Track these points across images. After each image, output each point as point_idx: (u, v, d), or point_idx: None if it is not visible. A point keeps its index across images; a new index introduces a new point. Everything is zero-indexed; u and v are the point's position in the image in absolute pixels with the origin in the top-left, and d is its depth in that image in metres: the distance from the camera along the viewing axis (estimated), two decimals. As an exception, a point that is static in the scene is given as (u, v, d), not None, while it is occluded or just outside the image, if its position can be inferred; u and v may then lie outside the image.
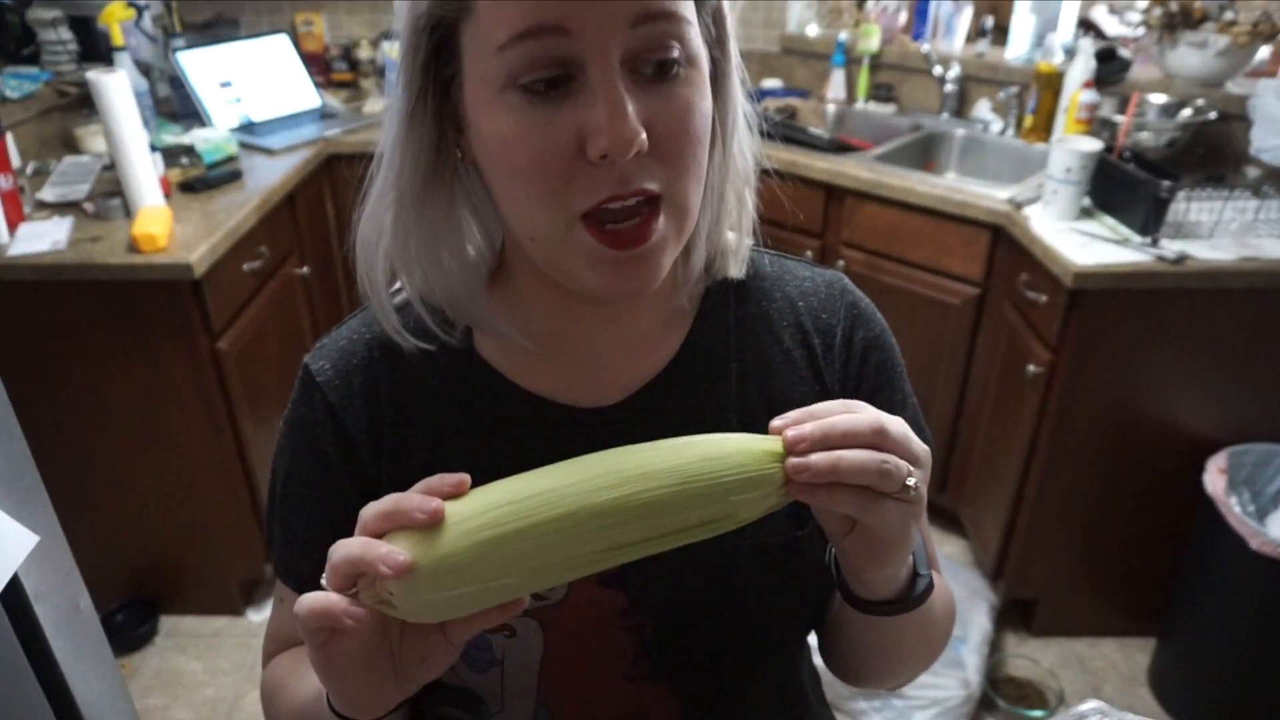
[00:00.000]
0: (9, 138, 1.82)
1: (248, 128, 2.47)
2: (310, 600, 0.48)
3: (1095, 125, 2.09)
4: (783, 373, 0.67)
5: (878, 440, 0.49)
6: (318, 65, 2.86)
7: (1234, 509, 1.67)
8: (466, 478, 0.48)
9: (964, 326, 2.12)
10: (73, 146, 2.30)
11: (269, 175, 2.17)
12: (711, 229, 0.65)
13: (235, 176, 2.12)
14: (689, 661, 0.66)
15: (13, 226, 1.78)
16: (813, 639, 0.77)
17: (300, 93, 2.67)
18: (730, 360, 0.67)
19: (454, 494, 0.48)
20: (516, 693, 0.67)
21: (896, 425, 0.50)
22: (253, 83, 2.57)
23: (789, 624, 0.69)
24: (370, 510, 0.48)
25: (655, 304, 0.66)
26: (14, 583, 0.70)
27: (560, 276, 0.57)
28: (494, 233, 0.65)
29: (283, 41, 2.69)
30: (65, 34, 2.47)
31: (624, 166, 0.51)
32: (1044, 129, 2.30)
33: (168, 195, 1.95)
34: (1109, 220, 1.84)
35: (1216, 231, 1.76)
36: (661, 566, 0.64)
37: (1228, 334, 1.75)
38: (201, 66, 2.47)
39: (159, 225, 1.73)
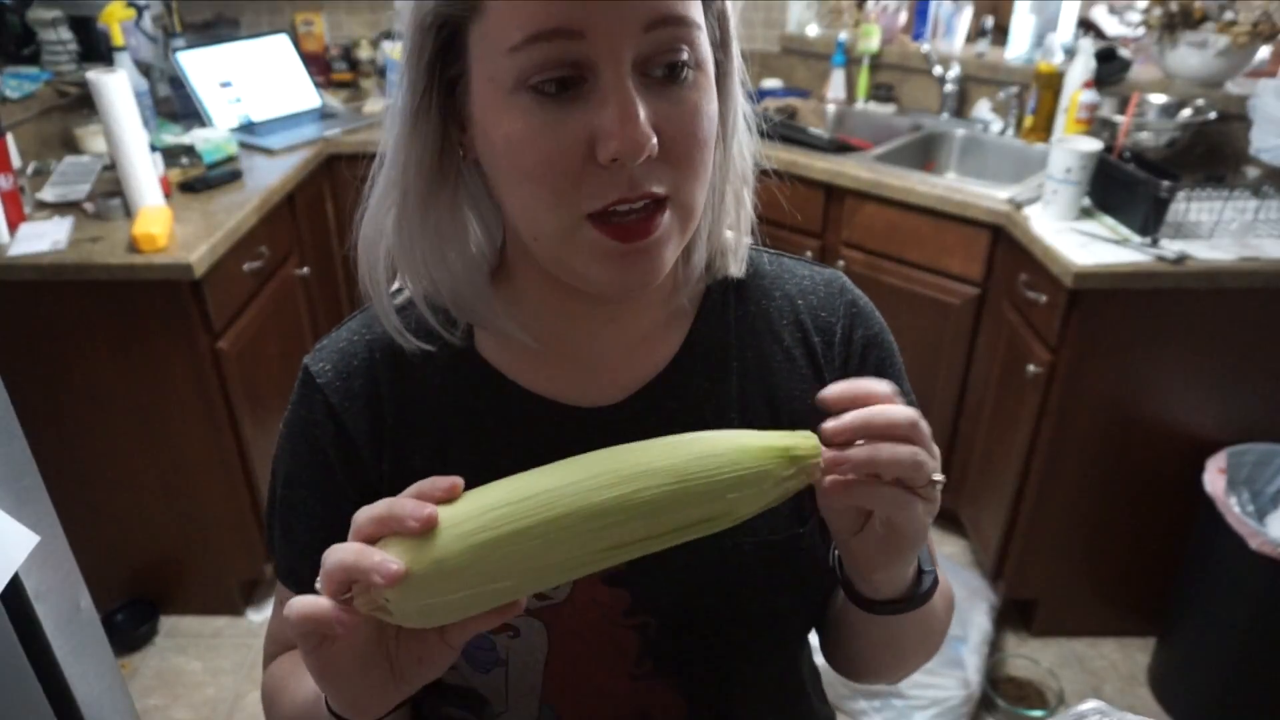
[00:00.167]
0: (9, 138, 1.82)
1: (248, 128, 2.47)
2: (300, 606, 0.47)
3: (1095, 125, 2.09)
4: (783, 371, 0.68)
5: (912, 434, 0.50)
6: (318, 65, 2.86)
7: (1234, 509, 1.67)
8: (459, 481, 0.48)
9: (964, 326, 2.12)
10: (73, 146, 2.30)
11: (269, 175, 2.17)
12: (712, 229, 0.65)
13: (235, 176, 2.12)
14: (692, 660, 0.67)
15: (13, 226, 1.78)
16: (813, 636, 0.77)
17: (300, 93, 2.67)
18: (731, 359, 0.67)
19: (447, 498, 0.48)
20: (520, 692, 0.67)
21: (924, 420, 0.51)
22: (253, 83, 2.57)
23: (791, 621, 0.70)
24: (363, 515, 0.48)
25: (656, 303, 0.66)
26: (14, 583, 0.70)
27: (565, 274, 0.57)
28: (494, 231, 0.65)
29: (283, 41, 2.69)
30: (65, 34, 2.47)
31: (633, 169, 0.51)
32: (1044, 129, 2.30)
33: (168, 195, 1.95)
34: (1109, 220, 1.84)
35: (1216, 231, 1.76)
36: (665, 565, 0.64)
37: (1228, 334, 1.75)
38: (201, 66, 2.47)
39: (159, 225, 1.73)
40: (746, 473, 0.48)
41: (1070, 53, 2.28)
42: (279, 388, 2.10)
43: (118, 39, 2.23)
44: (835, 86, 2.71)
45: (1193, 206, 1.79)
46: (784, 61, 2.91)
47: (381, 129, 0.59)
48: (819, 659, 0.81)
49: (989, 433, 2.10)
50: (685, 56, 0.52)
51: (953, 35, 2.63)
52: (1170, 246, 1.70)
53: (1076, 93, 2.09)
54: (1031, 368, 1.83)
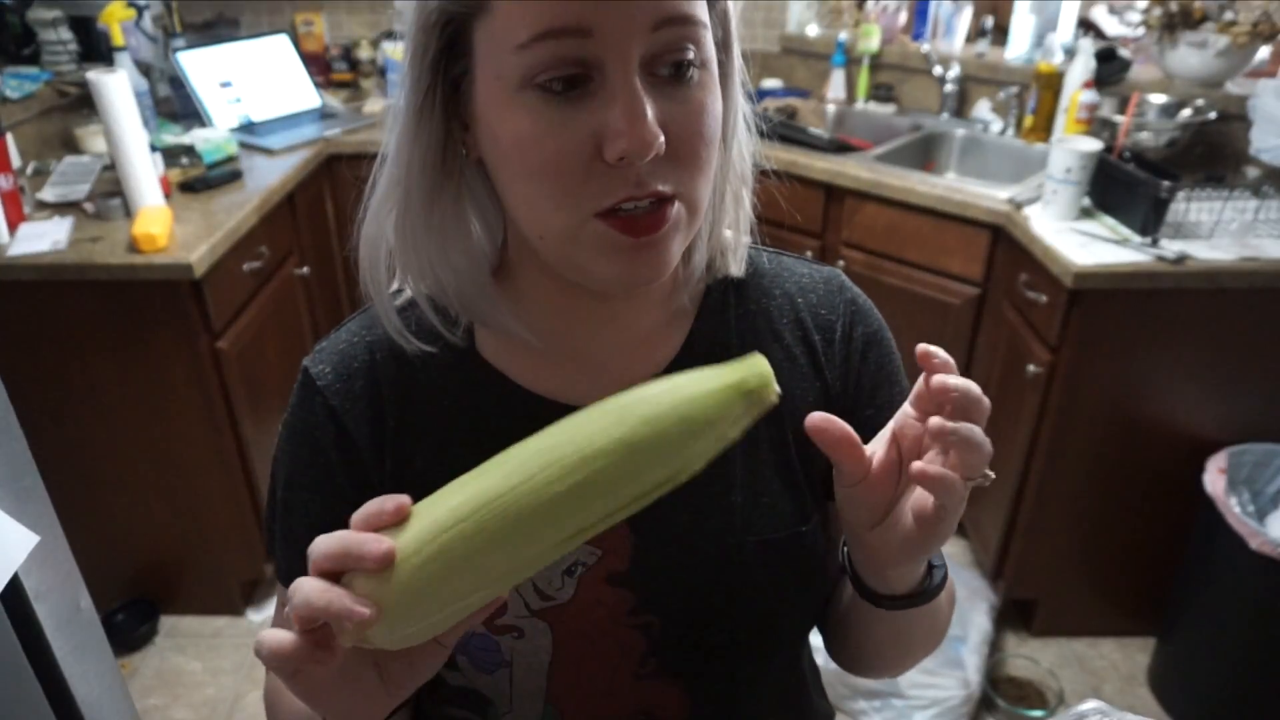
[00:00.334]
0: (9, 138, 1.82)
1: (248, 128, 2.47)
2: (271, 646, 0.46)
3: (1095, 125, 2.09)
4: (784, 370, 0.68)
5: (982, 419, 0.50)
6: (318, 65, 2.86)
7: (1234, 509, 1.67)
8: (406, 500, 0.46)
9: (964, 326, 2.12)
10: (73, 146, 2.30)
11: (269, 175, 2.17)
12: (713, 228, 0.65)
13: (235, 176, 2.12)
14: (697, 658, 0.67)
15: (13, 226, 1.78)
16: (813, 634, 0.77)
17: (300, 93, 2.67)
18: (732, 358, 0.67)
19: (396, 521, 0.46)
20: (525, 693, 0.67)
21: None
22: (253, 83, 2.57)
23: (795, 619, 0.70)
24: (320, 550, 0.45)
25: (657, 303, 0.66)
26: (14, 583, 0.70)
27: (570, 271, 0.57)
28: (495, 230, 0.65)
29: (283, 41, 2.69)
30: (65, 34, 2.47)
31: (640, 168, 0.51)
32: (1044, 129, 2.30)
33: (168, 195, 1.95)
34: (1109, 220, 1.84)
35: (1216, 231, 1.76)
36: (668, 565, 0.64)
37: (1228, 334, 1.75)
38: (201, 66, 2.47)
39: (159, 225, 1.73)
40: (699, 424, 0.45)
41: (1070, 53, 2.28)
42: (279, 388, 2.10)
43: (118, 39, 2.23)
44: (835, 86, 2.71)
45: (1193, 206, 1.79)
46: (784, 61, 2.91)
47: (382, 129, 0.59)
48: (818, 656, 0.81)
49: (989, 432, 2.08)
50: (691, 56, 0.52)
51: (953, 35, 2.63)
52: (1170, 246, 1.70)
53: (1076, 93, 2.09)
54: (1031, 368, 1.83)
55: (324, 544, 0.45)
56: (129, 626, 2.07)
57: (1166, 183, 1.70)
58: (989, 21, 2.63)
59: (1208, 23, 2.05)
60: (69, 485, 1.86)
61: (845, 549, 0.63)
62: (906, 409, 0.54)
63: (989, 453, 0.50)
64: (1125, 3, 2.48)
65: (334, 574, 0.45)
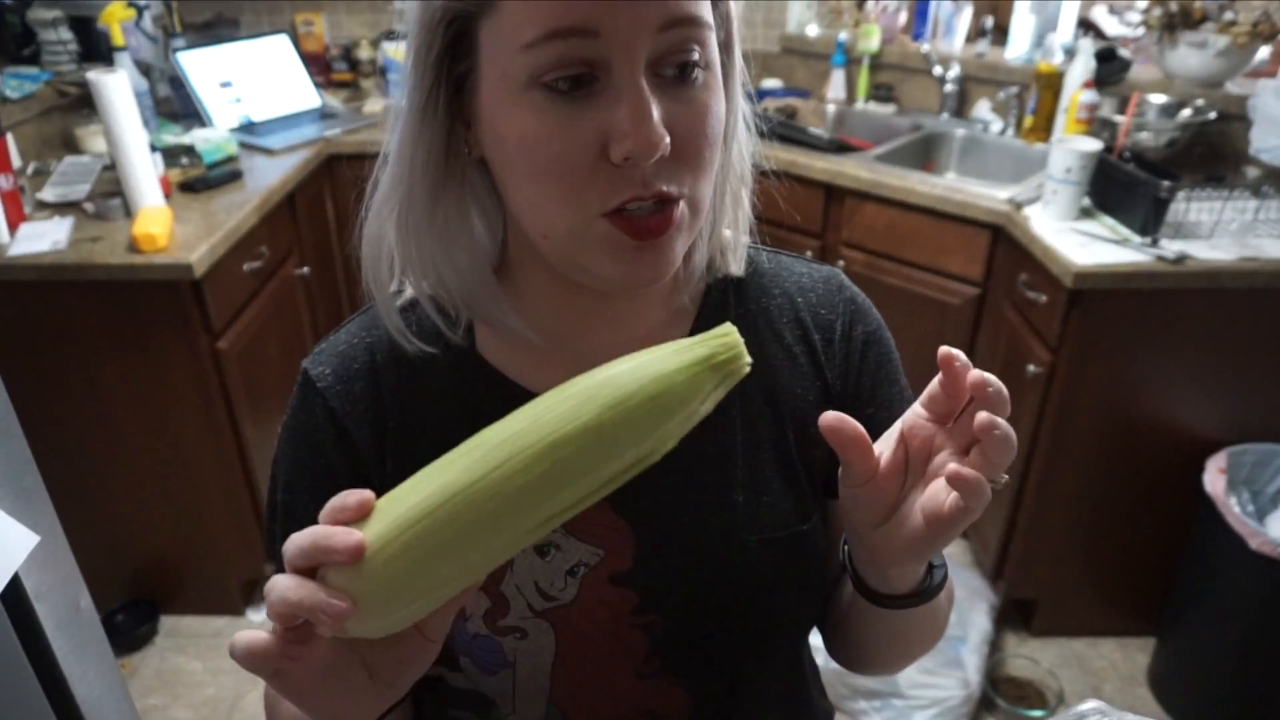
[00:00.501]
0: (9, 138, 1.82)
1: (248, 128, 2.47)
2: (243, 643, 0.45)
3: (1095, 125, 2.09)
4: (785, 369, 0.68)
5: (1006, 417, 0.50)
6: (318, 65, 2.86)
7: (1234, 509, 1.67)
8: (369, 495, 0.46)
9: (964, 326, 2.12)
10: (73, 146, 2.31)
11: (269, 175, 2.17)
12: (713, 228, 0.65)
13: (235, 176, 2.12)
14: (699, 657, 0.67)
15: (13, 226, 1.78)
16: (812, 633, 0.77)
17: (300, 93, 2.67)
18: None
19: (359, 516, 0.45)
20: (528, 694, 0.67)
21: None
22: (253, 83, 2.57)
23: (797, 618, 0.70)
24: (291, 547, 0.45)
25: (658, 303, 0.66)
26: (14, 583, 0.70)
27: (573, 271, 0.57)
28: (496, 229, 0.65)
29: (283, 41, 2.69)
30: (65, 34, 2.47)
31: (645, 169, 0.51)
32: (1044, 129, 2.30)
33: (168, 195, 1.95)
34: (1109, 220, 1.84)
35: (1216, 231, 1.76)
36: (671, 565, 0.64)
37: (1228, 334, 1.75)
38: (201, 66, 2.47)
39: (159, 225, 1.73)
40: (669, 405, 0.44)
41: (1070, 53, 2.28)
42: (279, 388, 2.10)
43: (118, 39, 2.23)
44: (835, 86, 2.71)
45: (1193, 206, 1.79)
46: (784, 61, 2.91)
47: (383, 129, 0.59)
48: (818, 656, 0.82)
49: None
50: (696, 57, 0.52)
51: (953, 35, 2.63)
52: (1170, 246, 1.70)
53: (1076, 93, 2.09)
54: (1031, 368, 1.83)
55: (296, 540, 0.45)
56: (129, 626, 2.07)
57: (1166, 183, 1.70)
58: (989, 21, 2.63)
59: (1208, 23, 2.05)
60: (69, 485, 1.86)
61: (846, 548, 0.63)
62: (917, 409, 0.54)
63: (1015, 452, 0.49)
64: (1125, 3, 2.48)
65: (309, 570, 0.45)
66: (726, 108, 0.59)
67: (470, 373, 0.65)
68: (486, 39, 0.53)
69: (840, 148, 2.31)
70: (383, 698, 0.51)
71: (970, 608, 1.97)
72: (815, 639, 0.77)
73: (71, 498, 1.10)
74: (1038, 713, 1.89)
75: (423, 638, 0.49)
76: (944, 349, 0.51)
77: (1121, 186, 1.80)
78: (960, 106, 2.57)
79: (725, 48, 0.58)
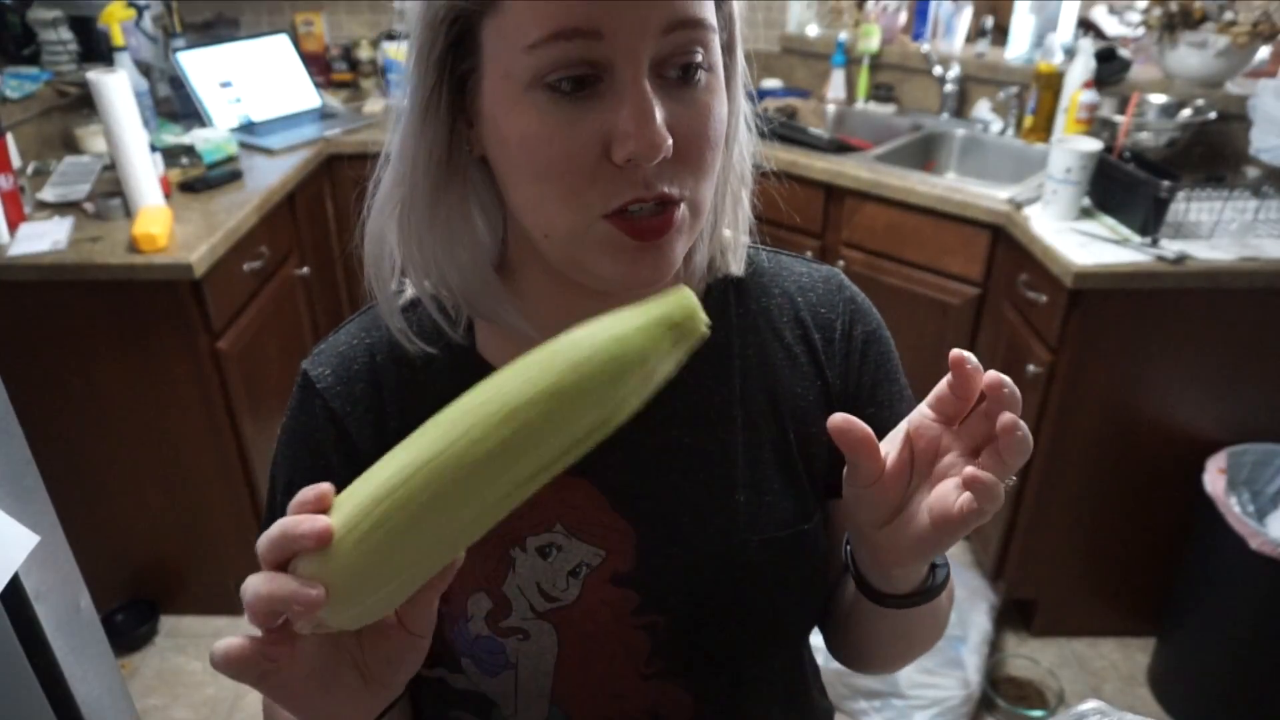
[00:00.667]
0: (9, 138, 1.82)
1: (248, 128, 2.47)
2: (222, 649, 0.45)
3: (1095, 125, 2.09)
4: (785, 368, 0.68)
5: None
6: (318, 65, 2.86)
7: (1234, 509, 1.67)
8: (327, 488, 0.46)
9: (964, 326, 2.12)
10: (73, 146, 2.31)
11: (269, 175, 2.17)
12: (713, 228, 0.65)
13: (235, 176, 2.12)
14: (701, 658, 0.67)
15: (13, 226, 1.78)
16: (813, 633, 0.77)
17: (300, 93, 2.67)
18: (733, 358, 0.67)
19: (319, 508, 0.45)
20: (530, 695, 0.67)
21: None
22: (253, 83, 2.57)
23: (798, 617, 0.70)
24: (262, 544, 0.45)
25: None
26: (14, 583, 0.70)
27: (574, 271, 0.57)
28: (496, 227, 0.65)
29: (283, 41, 2.69)
30: (65, 34, 2.47)
31: (647, 170, 0.51)
32: (1044, 129, 2.30)
33: (168, 195, 1.95)
34: (1109, 220, 1.84)
35: (1216, 231, 1.76)
36: (672, 565, 0.64)
37: (1228, 334, 1.75)
38: (201, 66, 2.47)
39: (159, 225, 1.73)
40: (627, 364, 0.43)
41: (1070, 53, 2.28)
42: (279, 388, 2.10)
43: (118, 39, 2.23)
44: (835, 86, 2.71)
45: (1193, 206, 1.79)
46: (784, 61, 2.91)
47: (383, 129, 0.59)
48: (818, 655, 0.82)
49: (989, 433, 2.10)
50: (700, 59, 0.52)
51: (953, 35, 2.63)
52: (1170, 246, 1.70)
53: (1076, 93, 2.09)
54: (1031, 368, 1.83)
55: (265, 537, 0.45)
56: (129, 626, 2.07)
57: (1166, 183, 1.70)
58: (989, 21, 2.63)
59: (1208, 23, 2.05)
60: (69, 485, 1.85)
61: (848, 547, 0.63)
62: (924, 410, 0.54)
63: (1029, 454, 0.50)
64: (1125, 3, 2.48)
65: (282, 566, 0.45)
66: (728, 109, 0.59)
67: (471, 372, 0.65)
68: (489, 38, 0.53)
69: (840, 148, 2.31)
70: (377, 698, 0.51)
71: (970, 608, 1.97)
72: (816, 639, 0.77)
73: (71, 498, 1.10)
74: (1038, 713, 1.89)
75: (407, 633, 0.48)
76: (955, 351, 0.51)
77: (1121, 186, 1.80)
78: (960, 106, 2.57)
79: (728, 49, 0.58)
